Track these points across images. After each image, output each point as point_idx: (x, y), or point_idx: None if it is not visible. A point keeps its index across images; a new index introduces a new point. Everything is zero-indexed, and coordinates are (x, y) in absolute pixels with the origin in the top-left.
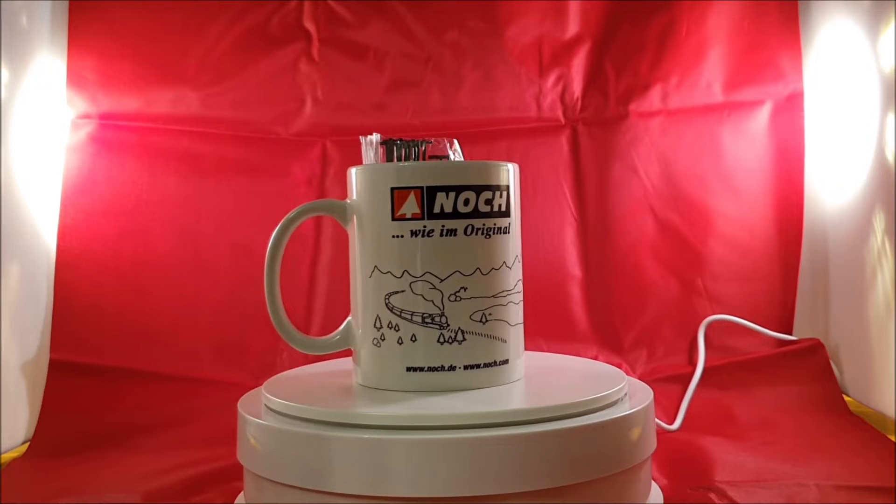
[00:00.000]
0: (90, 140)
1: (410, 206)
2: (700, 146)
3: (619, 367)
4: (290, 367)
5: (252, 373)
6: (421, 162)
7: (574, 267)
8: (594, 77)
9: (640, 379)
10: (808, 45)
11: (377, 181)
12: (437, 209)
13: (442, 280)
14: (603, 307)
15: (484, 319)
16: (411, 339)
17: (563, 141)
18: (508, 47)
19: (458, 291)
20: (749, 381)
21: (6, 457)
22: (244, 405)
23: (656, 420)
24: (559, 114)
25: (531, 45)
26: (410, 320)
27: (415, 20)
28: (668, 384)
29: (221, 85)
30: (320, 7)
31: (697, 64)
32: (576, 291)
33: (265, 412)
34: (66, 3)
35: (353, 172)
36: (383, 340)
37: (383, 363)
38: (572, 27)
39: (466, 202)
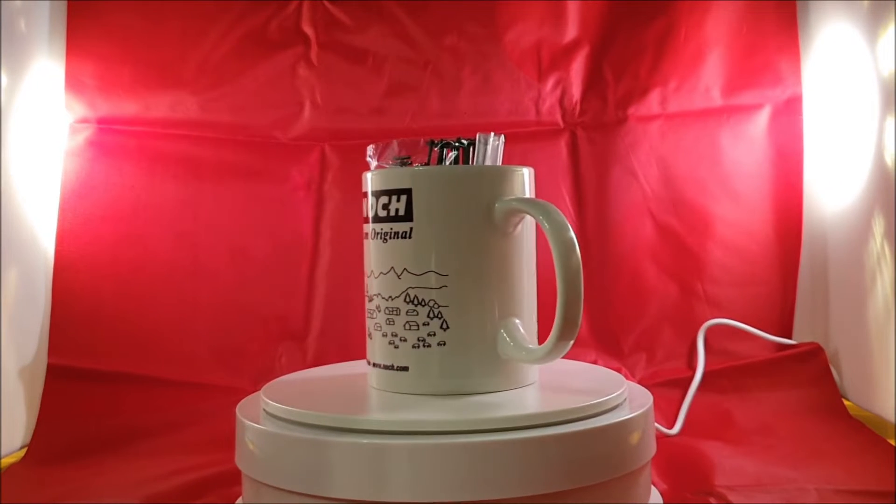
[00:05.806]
0: (88, 144)
1: None
2: (699, 150)
3: (618, 371)
4: (289, 372)
5: (251, 377)
6: None
7: None
8: (593, 81)
9: (639, 383)
10: (807, 49)
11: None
12: None
13: None
14: (602, 311)
15: None
16: None
17: (562, 145)
18: (507, 51)
19: None
20: (748, 386)
21: (5, 462)
22: (243, 410)
23: (656, 424)
24: (558, 118)
25: (530, 49)
26: None
27: (414, 24)
28: (667, 388)
29: (220, 89)
30: (319, 11)
31: (696, 68)
32: None
33: (264, 417)
34: (65, 7)
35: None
36: None
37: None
38: (571, 31)
39: None
